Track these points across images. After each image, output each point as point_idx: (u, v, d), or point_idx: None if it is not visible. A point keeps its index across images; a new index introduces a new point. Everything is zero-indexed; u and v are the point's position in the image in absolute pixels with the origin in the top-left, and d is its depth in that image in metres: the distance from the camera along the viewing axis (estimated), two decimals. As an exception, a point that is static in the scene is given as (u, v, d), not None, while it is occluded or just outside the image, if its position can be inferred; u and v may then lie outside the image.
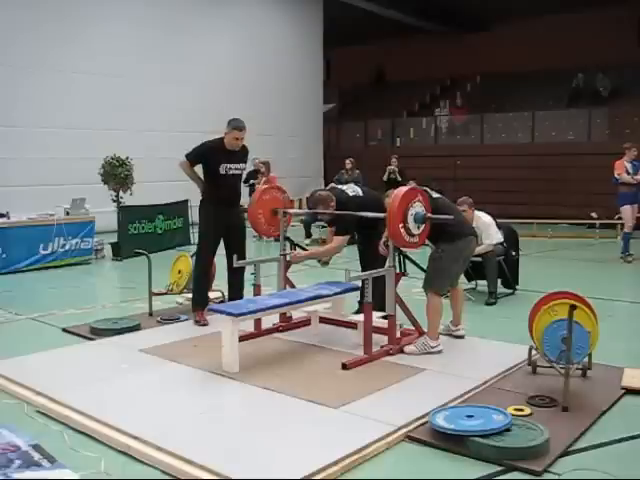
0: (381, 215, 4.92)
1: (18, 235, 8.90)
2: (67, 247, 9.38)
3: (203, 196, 5.95)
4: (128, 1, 14.35)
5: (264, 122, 17.17)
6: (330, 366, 4.59)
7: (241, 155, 5.94)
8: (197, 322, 5.81)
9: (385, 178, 13.82)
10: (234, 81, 16.51)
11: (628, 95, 17.18)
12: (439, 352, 4.90)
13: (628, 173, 9.86)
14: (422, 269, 5.22)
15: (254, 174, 12.62)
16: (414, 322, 5.10)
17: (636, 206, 10.10)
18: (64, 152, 12.86)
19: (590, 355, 4.28)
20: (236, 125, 5.78)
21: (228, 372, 4.43)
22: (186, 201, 11.27)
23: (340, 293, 5.26)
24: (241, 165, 5.94)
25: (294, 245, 5.83)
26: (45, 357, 4.91)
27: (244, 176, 6.83)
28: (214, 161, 5.76)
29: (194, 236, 10.88)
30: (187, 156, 5.88)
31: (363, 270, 5.42)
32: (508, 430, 3.38)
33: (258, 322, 5.34)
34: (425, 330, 5.03)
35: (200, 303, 5.89)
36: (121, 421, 3.59)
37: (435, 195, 5.12)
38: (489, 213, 7.12)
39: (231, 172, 5.82)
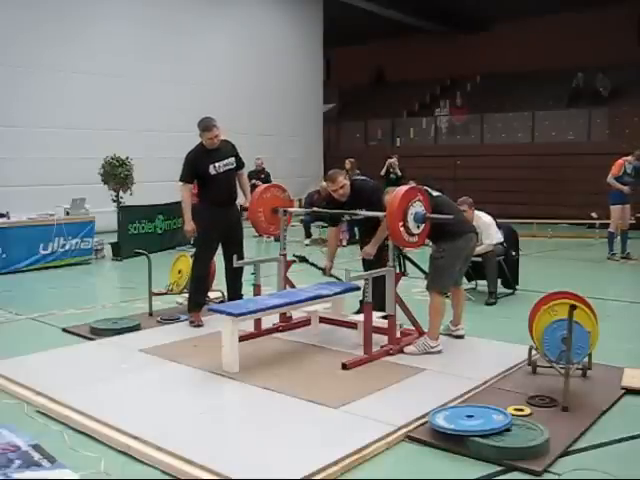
0: (381, 214, 4.92)
1: (18, 235, 8.90)
2: (67, 247, 9.38)
3: (200, 198, 5.93)
4: (128, 1, 14.36)
5: (264, 122, 17.22)
6: (330, 366, 4.59)
7: (225, 150, 5.87)
8: (192, 323, 5.80)
9: (383, 172, 13.75)
10: (234, 81, 16.52)
11: (628, 95, 17.18)
12: (439, 352, 4.91)
13: (626, 172, 9.82)
14: (423, 271, 5.21)
15: (255, 174, 12.64)
16: (414, 322, 5.10)
17: (628, 206, 10.05)
18: (64, 152, 12.87)
19: (590, 355, 4.28)
20: (204, 126, 5.71)
21: (228, 372, 4.43)
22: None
23: (340, 293, 5.26)
24: (230, 159, 5.86)
25: (305, 261, 5.85)
26: (45, 357, 4.91)
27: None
28: (202, 165, 5.74)
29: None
30: (181, 179, 5.84)
31: (366, 268, 5.41)
32: (508, 430, 3.38)
33: (258, 322, 5.33)
34: (425, 330, 5.03)
35: (197, 305, 5.88)
36: (121, 421, 3.59)
37: (435, 193, 5.12)
38: (489, 213, 7.12)
39: (222, 169, 5.79)
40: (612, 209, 10.03)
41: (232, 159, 5.90)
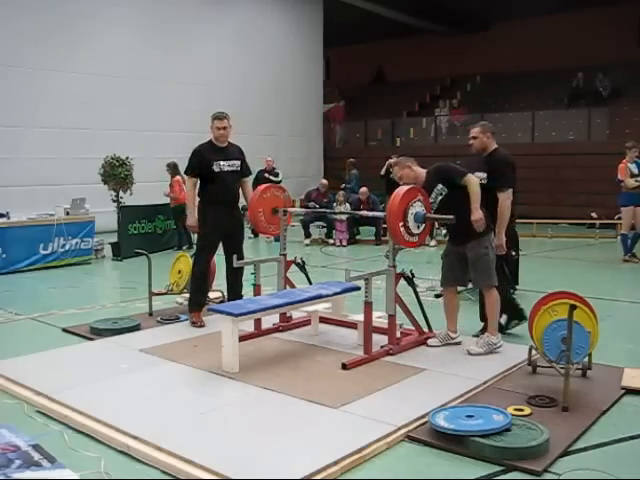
0: (381, 214, 4.91)
1: (18, 235, 8.91)
2: (67, 247, 9.39)
3: (201, 197, 5.91)
4: (128, 1, 14.36)
5: (264, 122, 17.22)
6: (330, 366, 4.59)
7: (232, 151, 5.91)
8: (194, 324, 5.79)
9: (383, 172, 13.78)
10: (234, 81, 16.53)
11: (628, 95, 17.18)
12: (501, 346, 4.91)
13: (632, 175, 9.71)
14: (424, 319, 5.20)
15: (265, 173, 12.74)
16: (414, 322, 5.10)
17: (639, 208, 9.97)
18: (64, 152, 12.88)
19: (590, 355, 4.28)
20: (216, 115, 5.81)
21: (228, 372, 4.43)
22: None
23: (340, 293, 5.26)
24: (236, 162, 5.88)
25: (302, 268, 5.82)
26: (45, 357, 4.91)
27: (253, 176, 6.74)
28: (206, 161, 5.75)
29: (194, 236, 10.86)
30: (186, 172, 5.93)
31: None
32: (508, 430, 3.38)
33: (258, 322, 5.34)
34: (424, 330, 5.04)
35: (197, 304, 5.87)
36: (121, 421, 3.59)
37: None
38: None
39: (226, 169, 5.79)
40: (623, 211, 9.94)
41: (238, 162, 5.91)
